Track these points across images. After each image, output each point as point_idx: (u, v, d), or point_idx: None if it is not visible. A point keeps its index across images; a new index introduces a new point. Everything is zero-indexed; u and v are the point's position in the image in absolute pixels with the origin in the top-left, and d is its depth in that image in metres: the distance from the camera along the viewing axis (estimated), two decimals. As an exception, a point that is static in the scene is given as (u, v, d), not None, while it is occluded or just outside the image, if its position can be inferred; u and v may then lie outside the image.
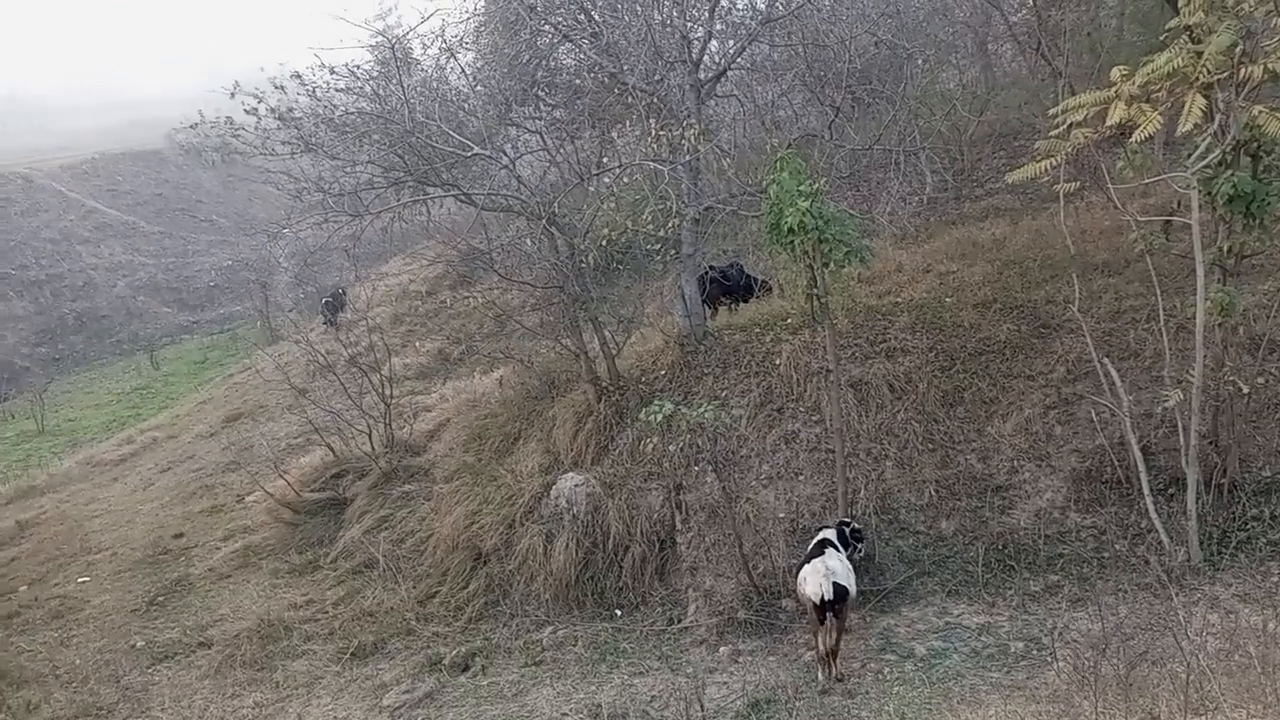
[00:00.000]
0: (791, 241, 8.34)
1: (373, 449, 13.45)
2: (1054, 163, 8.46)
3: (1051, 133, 8.67)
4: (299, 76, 10.87)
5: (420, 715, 8.68)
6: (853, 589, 8.01)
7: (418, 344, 20.48)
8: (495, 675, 9.13)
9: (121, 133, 62.72)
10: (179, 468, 17.62)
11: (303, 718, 8.80)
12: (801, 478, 10.01)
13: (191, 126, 10.70)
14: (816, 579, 7.79)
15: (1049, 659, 7.62)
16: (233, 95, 10.32)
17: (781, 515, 9.73)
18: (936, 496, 9.53)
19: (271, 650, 10.06)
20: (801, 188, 8.25)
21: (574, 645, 9.38)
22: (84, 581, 12.85)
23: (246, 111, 10.36)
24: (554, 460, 11.29)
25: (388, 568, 11.19)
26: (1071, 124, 8.30)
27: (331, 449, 13.93)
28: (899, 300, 11.53)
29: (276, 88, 10.64)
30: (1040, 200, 13.17)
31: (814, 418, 10.38)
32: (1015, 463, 9.59)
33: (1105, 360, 8.95)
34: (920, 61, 13.26)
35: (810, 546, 8.42)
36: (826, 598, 7.70)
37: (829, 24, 11.61)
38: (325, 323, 23.84)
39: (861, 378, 10.36)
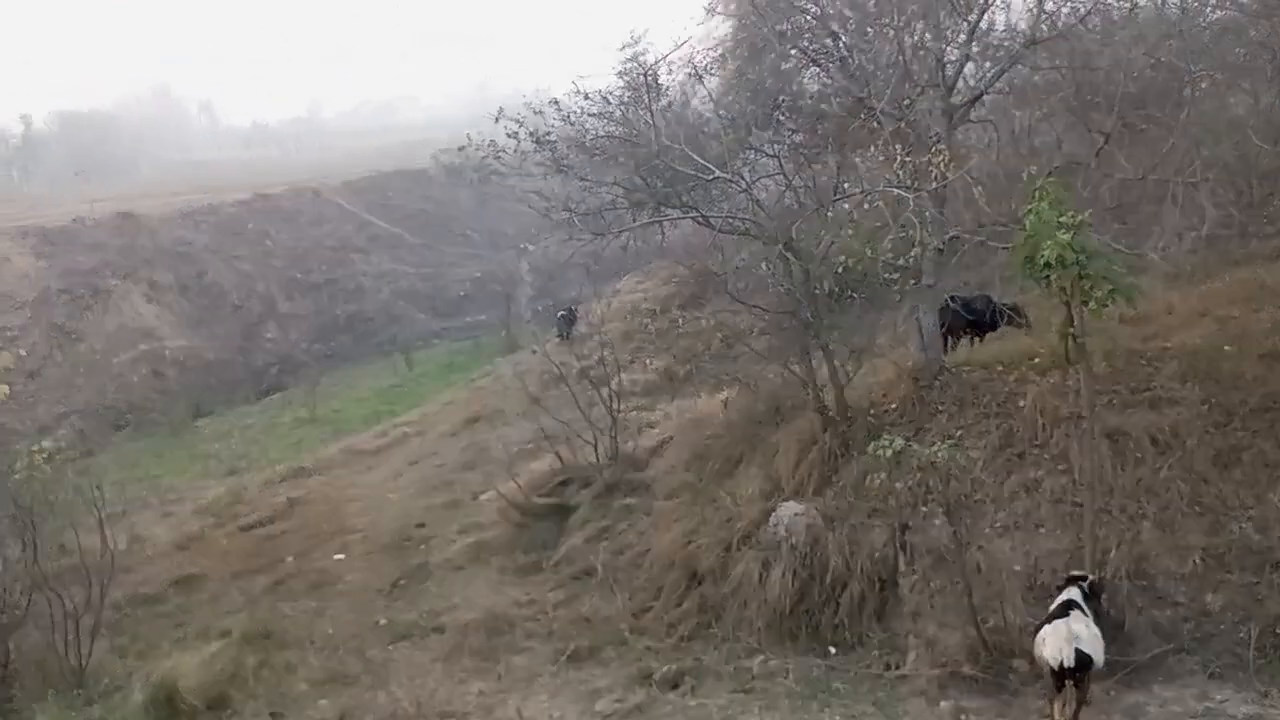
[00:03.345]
0: (1048, 276, 7.81)
1: (598, 460, 13.90)
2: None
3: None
4: (556, 102, 11.55)
5: (630, 726, 8.83)
6: (1099, 658, 7.32)
7: (647, 361, 21.00)
8: (704, 697, 9.12)
9: (395, 152, 69.39)
10: (424, 462, 19.04)
11: (521, 712, 9.21)
12: (1042, 530, 9.31)
13: (460, 149, 11.61)
14: (1058, 642, 7.19)
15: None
16: (496, 120, 11.13)
17: (1018, 568, 9.08)
18: (1202, 567, 8.55)
19: (496, 643, 10.60)
20: (1062, 219, 7.70)
21: (784, 678, 9.20)
22: (339, 559, 14.16)
23: (509, 135, 11.13)
24: (774, 487, 11.18)
25: (606, 577, 11.50)
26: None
27: (560, 457, 14.52)
28: (1168, 345, 10.50)
29: (535, 113, 11.36)
30: (1348, 240, 11.56)
31: (1060, 467, 9.64)
32: (1303, 537, 8.42)
33: None
34: (1205, 85, 12.02)
35: (1053, 606, 7.79)
36: (1067, 664, 7.09)
37: (1101, 45, 10.80)
38: (560, 335, 25.02)
39: (1119, 427, 9.50)
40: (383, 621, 11.69)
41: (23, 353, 35.00)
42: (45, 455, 12.09)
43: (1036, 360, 10.58)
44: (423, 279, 51.07)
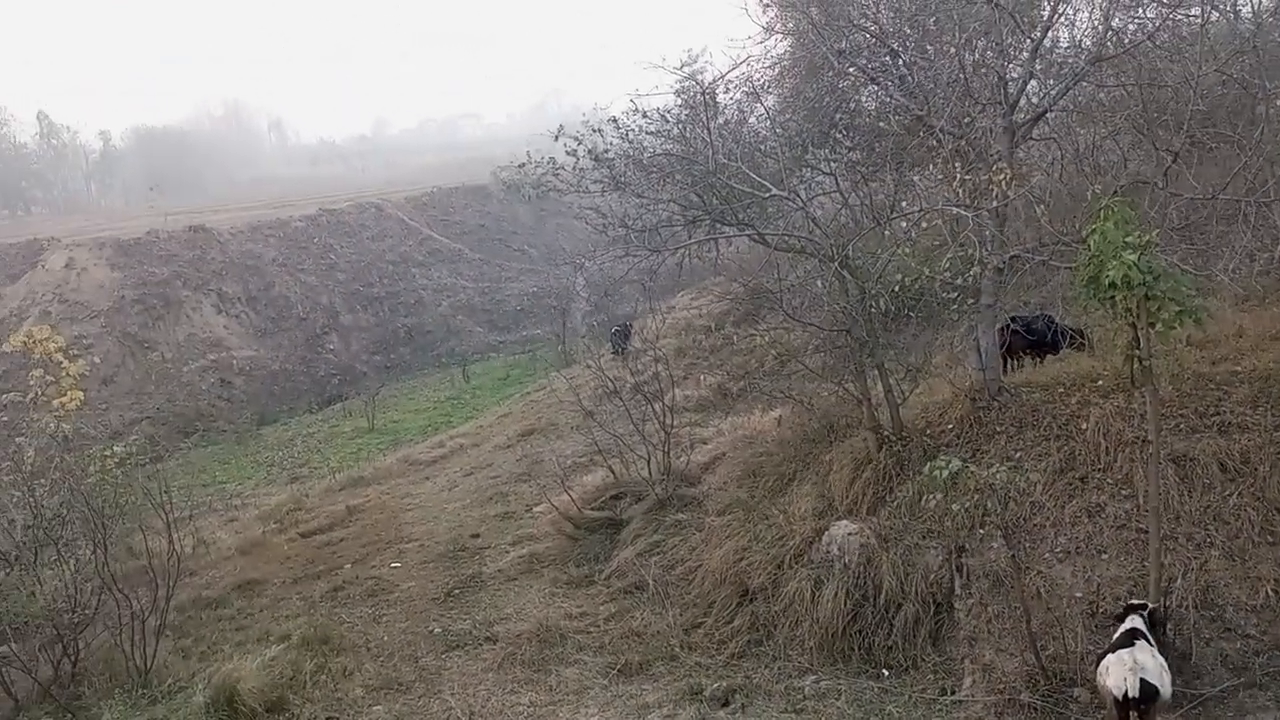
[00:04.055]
0: (1112, 297, 7.65)
1: (650, 475, 13.93)
2: None
3: None
4: (615, 120, 11.69)
5: (679, 743, 8.81)
6: (1165, 690, 7.11)
7: (700, 377, 21.01)
8: (754, 715, 9.06)
9: (456, 169, 70.78)
10: (479, 474, 19.27)
11: (571, 724, 9.25)
12: (1105, 556, 9.08)
13: (519, 166, 11.81)
14: (1121, 671, 7.01)
15: None
16: (556, 138, 11.31)
17: (1079, 595, 8.86)
18: (1275, 598, 8.24)
19: (547, 654, 10.67)
20: (1128, 239, 7.55)
21: (836, 699, 9.10)
22: (396, 567, 14.39)
23: (568, 153, 11.29)
24: (827, 505, 11.11)
25: (657, 592, 11.51)
26: None
27: (612, 471, 14.59)
28: (1238, 369, 10.18)
29: (594, 131, 11.51)
30: None
31: (1124, 491, 9.40)
32: (1384, 571, 8.09)
33: None
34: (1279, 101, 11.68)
35: (1116, 635, 7.59)
36: (1131, 695, 6.91)
37: (1169, 61, 10.58)
38: (614, 350, 25.15)
39: (1186, 453, 9.24)
40: (437, 630, 11.84)
41: (97, 360, 36.37)
42: (117, 460, 12.53)
43: (1099, 382, 10.36)
44: (480, 293, 51.86)
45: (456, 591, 13.02)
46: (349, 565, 14.74)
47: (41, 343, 17.11)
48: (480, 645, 11.24)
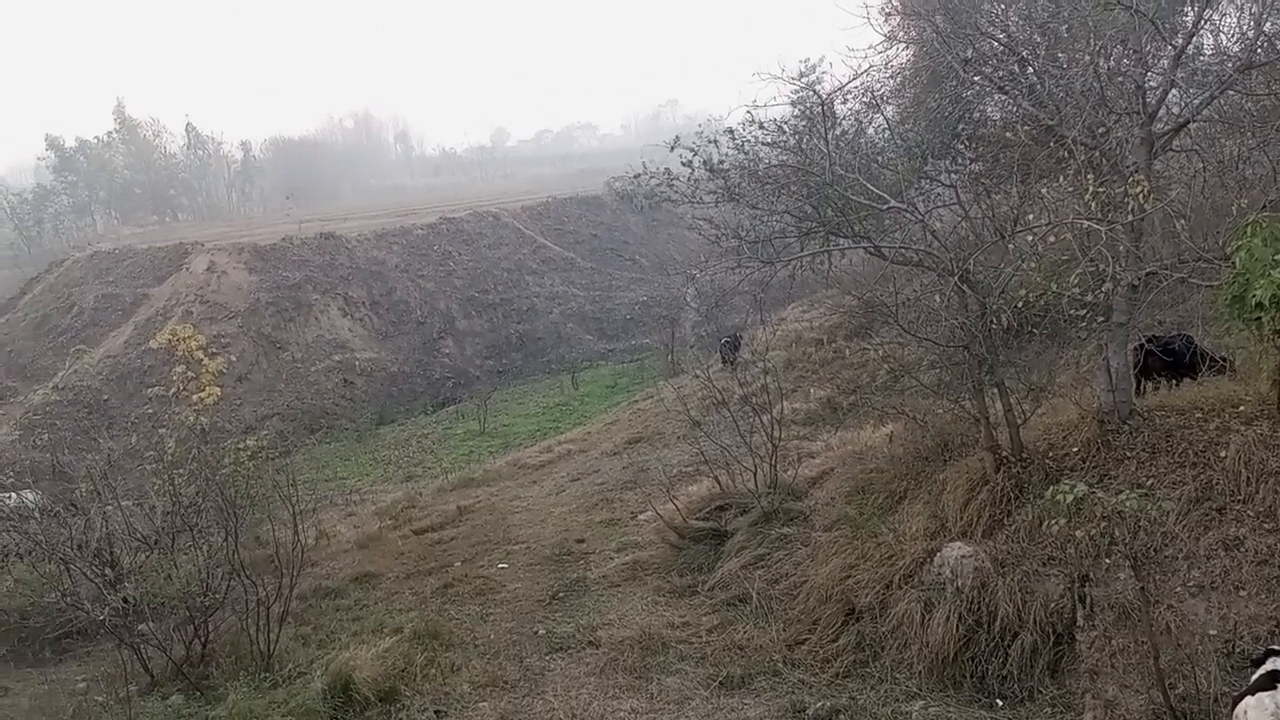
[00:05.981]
0: (1259, 317, 7.20)
1: (756, 487, 13.82)
2: None
3: None
4: (731, 132, 11.69)
5: (782, 760, 8.69)
6: (1310, 740, 6.61)
7: (809, 390, 20.77)
8: (859, 738, 8.87)
9: (571, 179, 72.29)
10: (586, 479, 19.52)
11: (672, 733, 9.23)
12: (1243, 593, 8.50)
13: (635, 177, 11.93)
14: (1262, 716, 6.55)
15: None
16: (671, 149, 11.39)
17: (1213, 633, 8.32)
18: None
19: (649, 662, 10.68)
20: (1278, 256, 7.10)
21: (946, 727, 8.81)
22: (503, 568, 14.69)
23: (683, 163, 11.36)
24: (940, 526, 10.78)
25: (760, 606, 11.39)
26: None
27: (718, 481, 14.54)
28: (1399, 397, 9.38)
29: (710, 142, 11.54)
30: None
31: (1266, 525, 8.79)
32: None
33: None
34: None
35: (1255, 677, 7.10)
36: (1271, 742, 6.45)
37: (1328, 66, 9.88)
38: (723, 361, 25.12)
39: (1338, 486, 8.58)
40: (541, 631, 12.01)
41: (234, 358, 38.65)
42: (249, 453, 13.25)
43: (1242, 408, 9.71)
44: (591, 301, 52.64)
45: (561, 595, 13.19)
46: (459, 563, 15.13)
47: (184, 340, 18.29)
48: (583, 649, 11.34)
